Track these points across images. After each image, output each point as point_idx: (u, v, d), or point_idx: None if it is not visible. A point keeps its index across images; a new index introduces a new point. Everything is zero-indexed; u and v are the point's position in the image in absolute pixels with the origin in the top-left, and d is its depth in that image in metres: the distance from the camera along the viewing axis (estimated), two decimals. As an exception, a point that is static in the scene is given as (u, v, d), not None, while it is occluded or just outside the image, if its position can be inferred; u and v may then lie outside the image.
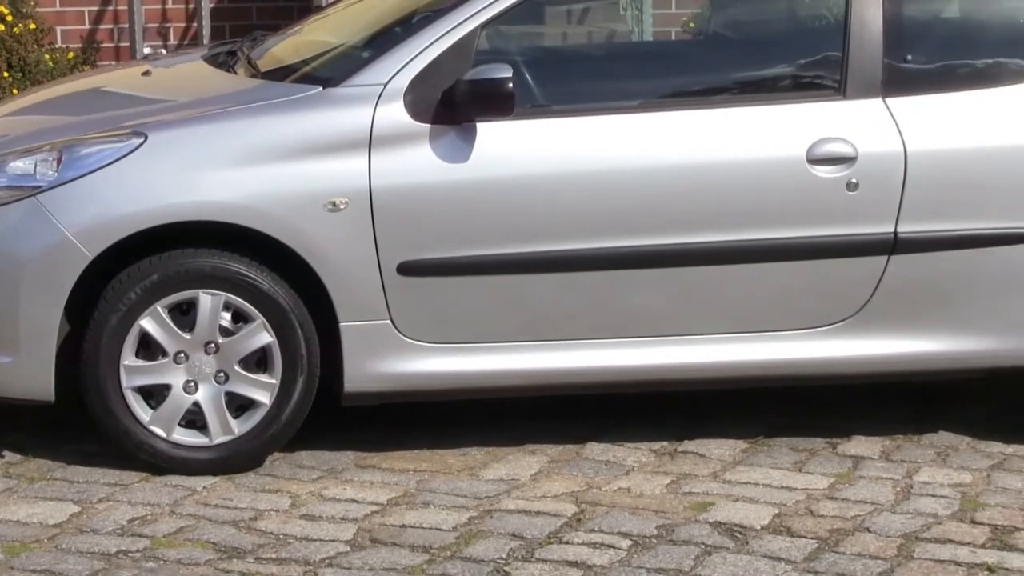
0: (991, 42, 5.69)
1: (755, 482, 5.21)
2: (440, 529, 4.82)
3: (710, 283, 5.33)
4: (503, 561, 4.61)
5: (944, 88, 5.46)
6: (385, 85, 5.23)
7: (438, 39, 5.28)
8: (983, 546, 4.74)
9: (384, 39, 5.54)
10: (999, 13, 5.80)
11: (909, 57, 5.47)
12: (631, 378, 5.42)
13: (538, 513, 4.94)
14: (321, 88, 5.30)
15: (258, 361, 5.21)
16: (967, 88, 5.48)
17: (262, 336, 5.18)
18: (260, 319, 5.17)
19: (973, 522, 4.92)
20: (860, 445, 5.54)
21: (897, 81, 5.41)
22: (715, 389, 5.68)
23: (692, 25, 8.20)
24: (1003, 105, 5.45)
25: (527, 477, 5.24)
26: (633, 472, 5.30)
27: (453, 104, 5.19)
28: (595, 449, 5.48)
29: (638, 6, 8.38)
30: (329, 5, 7.34)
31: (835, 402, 5.89)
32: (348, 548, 4.69)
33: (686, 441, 5.54)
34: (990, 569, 4.59)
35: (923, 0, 5.80)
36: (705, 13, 7.16)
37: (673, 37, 8.47)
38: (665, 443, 5.53)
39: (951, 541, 4.77)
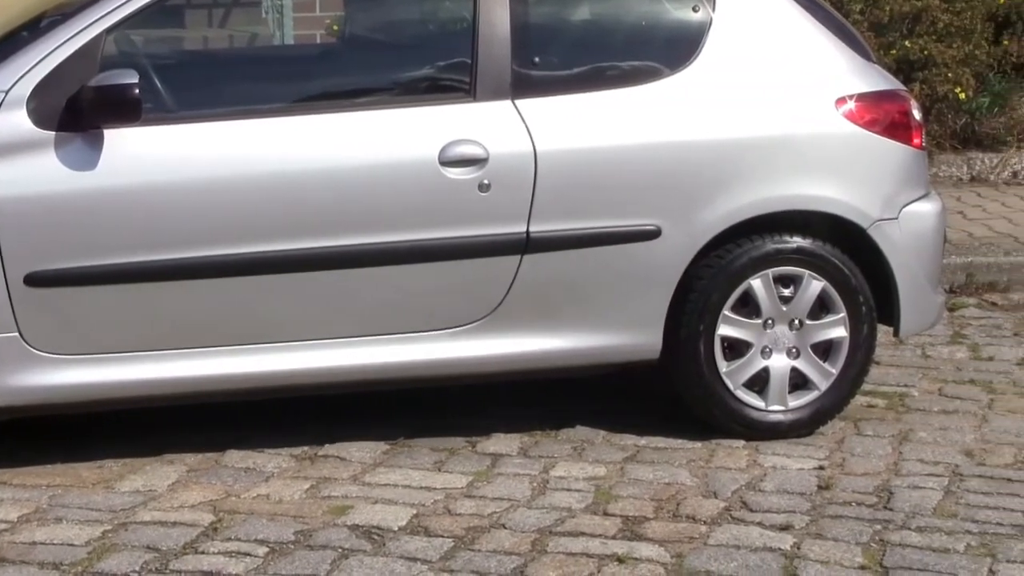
0: (620, 44, 5.80)
1: (395, 483, 5.23)
2: (72, 545, 4.71)
3: (346, 286, 5.33)
4: (136, 574, 4.53)
5: (573, 89, 5.56)
6: (7, 92, 5.09)
7: (62, 44, 5.17)
8: (614, 537, 4.84)
9: (7, 44, 5.39)
10: (628, 16, 5.92)
11: (537, 60, 5.55)
12: (270, 383, 5.39)
13: (174, 524, 4.87)
14: (-61, 96, 5.15)
15: None
16: (596, 89, 5.58)
17: None
18: None
19: (606, 514, 5.02)
20: (499, 443, 5.62)
21: (526, 83, 5.49)
22: (355, 392, 5.68)
23: (336, 28, 8.20)
24: (631, 105, 5.57)
25: (164, 487, 5.17)
26: (273, 478, 5.27)
27: (79, 111, 5.09)
28: (235, 456, 5.43)
29: (279, 10, 8.33)
30: (-41, 9, 7.13)
31: (476, 401, 5.96)
32: (-26, 569, 4.56)
33: (327, 445, 5.54)
34: (620, 560, 4.68)
35: (552, 4, 5.90)
36: (344, 17, 7.17)
37: (318, 40, 8.46)
38: (306, 448, 5.52)
39: (584, 534, 4.86)
